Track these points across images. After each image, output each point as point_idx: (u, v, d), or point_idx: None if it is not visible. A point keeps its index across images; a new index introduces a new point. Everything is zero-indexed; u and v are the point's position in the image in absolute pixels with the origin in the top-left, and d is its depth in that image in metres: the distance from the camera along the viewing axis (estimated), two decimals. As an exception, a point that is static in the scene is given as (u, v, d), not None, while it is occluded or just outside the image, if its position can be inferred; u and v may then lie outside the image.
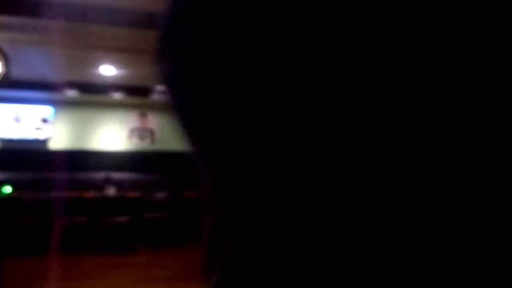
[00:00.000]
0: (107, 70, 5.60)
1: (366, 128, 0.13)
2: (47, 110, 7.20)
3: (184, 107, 0.17)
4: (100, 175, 7.08)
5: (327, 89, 0.14)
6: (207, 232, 0.32)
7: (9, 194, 5.97)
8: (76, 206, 5.93)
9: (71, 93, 6.67)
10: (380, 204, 0.14)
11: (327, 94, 0.14)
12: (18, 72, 5.08)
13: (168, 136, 7.87)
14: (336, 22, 0.14)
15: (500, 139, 0.13)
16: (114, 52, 4.72)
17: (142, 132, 7.77)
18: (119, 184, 6.75)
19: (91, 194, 6.25)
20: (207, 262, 0.32)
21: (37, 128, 7.16)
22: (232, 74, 0.15)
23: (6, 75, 4.01)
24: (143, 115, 7.77)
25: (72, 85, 6.40)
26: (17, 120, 7.07)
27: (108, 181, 6.74)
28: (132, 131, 7.73)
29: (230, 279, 0.26)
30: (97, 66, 5.42)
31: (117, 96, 6.69)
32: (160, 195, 6.50)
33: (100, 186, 6.67)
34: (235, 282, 0.26)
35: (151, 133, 7.81)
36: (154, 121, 7.81)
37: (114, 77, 5.95)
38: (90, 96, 6.83)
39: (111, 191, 6.42)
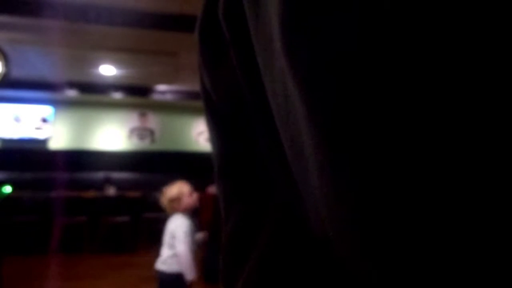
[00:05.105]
0: (107, 70, 5.60)
1: None
2: (47, 110, 7.20)
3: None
4: (100, 175, 7.09)
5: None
6: (229, 233, 0.31)
7: (9, 194, 5.97)
8: (76, 206, 5.93)
9: (71, 93, 6.67)
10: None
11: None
12: (18, 72, 5.08)
13: (168, 136, 7.88)
14: None
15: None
16: (114, 52, 4.72)
17: (142, 132, 7.77)
18: (119, 184, 6.75)
19: (91, 194, 6.25)
20: (226, 266, 0.31)
21: (37, 128, 7.15)
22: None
23: (6, 75, 4.01)
24: (143, 115, 7.77)
25: (72, 85, 6.40)
26: (17, 120, 7.07)
27: (108, 181, 6.74)
28: (132, 131, 7.73)
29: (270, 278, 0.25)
30: (97, 66, 5.42)
31: (117, 96, 6.69)
32: (160, 195, 6.48)
33: (100, 186, 6.67)
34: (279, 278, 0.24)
35: (151, 133, 7.81)
36: (154, 121, 7.81)
37: (114, 77, 5.95)
38: (90, 96, 6.83)
39: (111, 191, 6.42)
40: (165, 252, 2.62)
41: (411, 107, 0.14)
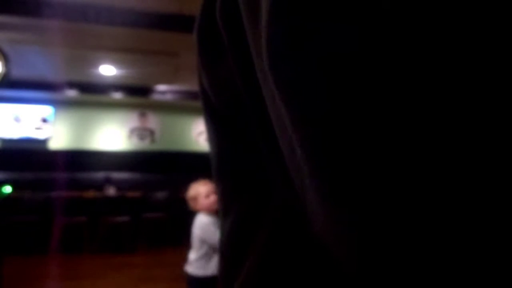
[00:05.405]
0: (107, 70, 5.60)
1: None
2: (47, 110, 7.19)
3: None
4: (100, 175, 7.08)
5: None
6: (227, 233, 0.31)
7: (9, 194, 5.97)
8: (76, 206, 5.93)
9: (71, 93, 6.67)
10: None
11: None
12: (18, 72, 5.08)
13: (168, 136, 7.87)
14: None
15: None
16: (114, 52, 4.72)
17: (142, 132, 7.77)
18: (119, 184, 6.75)
19: (91, 194, 6.25)
20: (225, 265, 0.31)
21: (37, 128, 7.15)
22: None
23: (6, 75, 4.01)
24: (143, 115, 7.77)
25: (72, 85, 6.40)
26: (17, 120, 7.07)
27: (108, 181, 6.74)
28: (132, 131, 7.73)
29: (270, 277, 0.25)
30: (97, 66, 5.42)
31: (117, 96, 6.69)
32: (160, 195, 6.49)
33: (100, 186, 6.67)
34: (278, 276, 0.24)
35: (151, 133, 7.80)
36: (154, 121, 7.81)
37: (114, 77, 5.95)
38: (90, 96, 6.83)
39: (111, 191, 6.42)
40: (192, 254, 2.59)
41: (406, 106, 0.14)
